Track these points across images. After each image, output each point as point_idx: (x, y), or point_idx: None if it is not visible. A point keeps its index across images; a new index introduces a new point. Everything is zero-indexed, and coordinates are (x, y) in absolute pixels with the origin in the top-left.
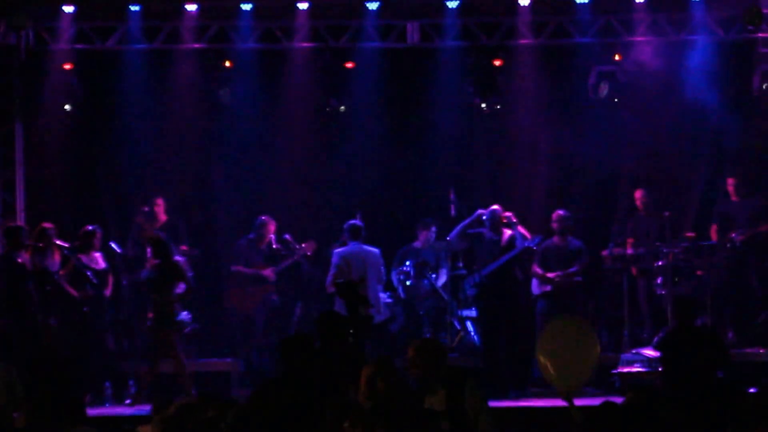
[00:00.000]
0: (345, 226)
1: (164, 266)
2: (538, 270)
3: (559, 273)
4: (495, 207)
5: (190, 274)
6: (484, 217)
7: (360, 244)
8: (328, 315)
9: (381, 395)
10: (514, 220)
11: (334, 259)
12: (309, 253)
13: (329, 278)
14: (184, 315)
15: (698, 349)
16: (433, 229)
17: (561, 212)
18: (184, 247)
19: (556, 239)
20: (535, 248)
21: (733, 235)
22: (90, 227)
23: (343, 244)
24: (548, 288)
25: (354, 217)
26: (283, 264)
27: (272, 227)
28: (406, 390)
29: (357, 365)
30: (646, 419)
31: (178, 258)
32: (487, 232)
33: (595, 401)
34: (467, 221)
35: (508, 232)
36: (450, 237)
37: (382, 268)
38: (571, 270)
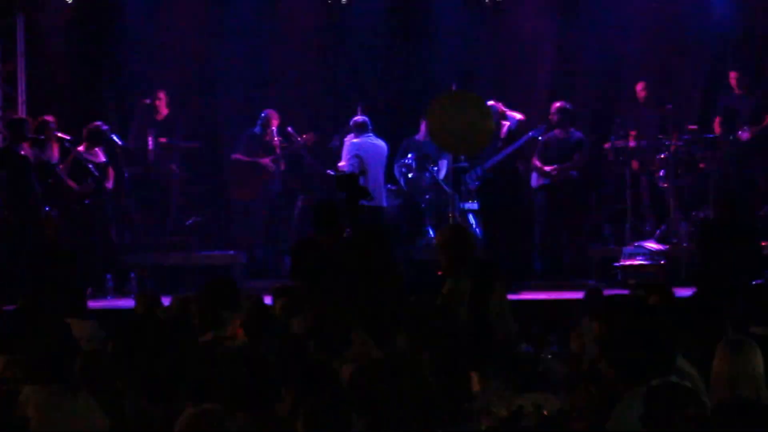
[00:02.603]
0: (351, 123)
1: None
2: (537, 163)
3: (555, 167)
4: (491, 102)
5: None
6: None
7: (369, 135)
8: (327, 205)
9: None
10: (502, 109)
11: (352, 149)
12: (309, 144)
13: (346, 166)
14: None
15: (735, 242)
16: None
17: (558, 104)
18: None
19: (557, 132)
20: (540, 138)
21: (739, 132)
22: (99, 124)
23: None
24: (546, 181)
25: (355, 110)
26: (281, 153)
27: (275, 121)
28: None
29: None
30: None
31: None
32: None
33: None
34: None
35: (506, 125)
36: None
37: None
38: (568, 164)
